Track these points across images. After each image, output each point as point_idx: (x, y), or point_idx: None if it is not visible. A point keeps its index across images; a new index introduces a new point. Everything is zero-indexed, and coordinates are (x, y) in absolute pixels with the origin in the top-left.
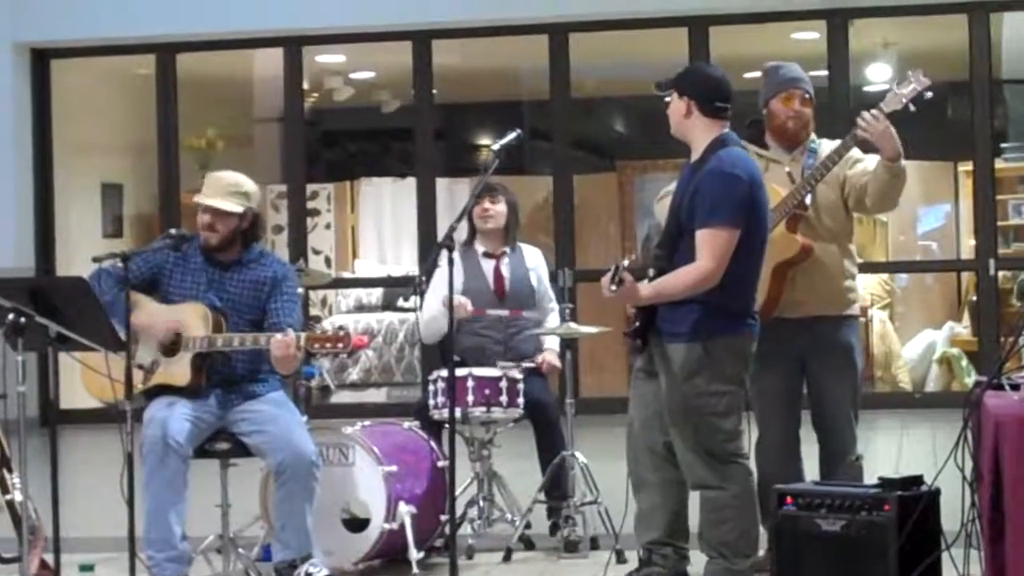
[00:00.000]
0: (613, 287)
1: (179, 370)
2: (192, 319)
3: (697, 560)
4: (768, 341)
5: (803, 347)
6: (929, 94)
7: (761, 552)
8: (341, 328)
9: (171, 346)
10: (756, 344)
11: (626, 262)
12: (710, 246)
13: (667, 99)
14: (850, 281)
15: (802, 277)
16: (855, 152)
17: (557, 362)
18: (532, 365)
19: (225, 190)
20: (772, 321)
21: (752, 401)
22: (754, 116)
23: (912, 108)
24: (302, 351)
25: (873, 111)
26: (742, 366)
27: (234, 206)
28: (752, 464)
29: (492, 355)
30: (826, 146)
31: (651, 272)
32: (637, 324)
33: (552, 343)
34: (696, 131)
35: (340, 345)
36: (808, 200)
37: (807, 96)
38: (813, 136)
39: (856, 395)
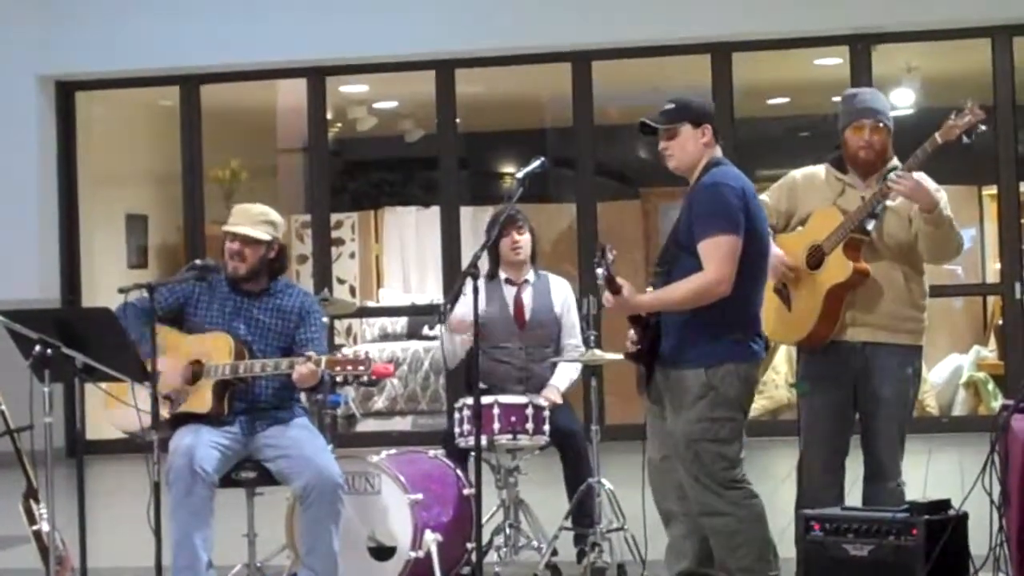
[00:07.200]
0: (600, 271)
1: (201, 398)
2: (215, 348)
3: None
4: (823, 362)
5: (857, 371)
6: (983, 127)
7: None
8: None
9: (193, 375)
10: (760, 368)
11: (612, 251)
12: (713, 254)
13: (675, 132)
14: (912, 310)
15: (862, 301)
16: None
17: (557, 399)
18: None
19: (253, 219)
20: (829, 343)
21: (801, 420)
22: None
23: (966, 140)
24: (322, 373)
25: (898, 172)
26: (746, 392)
27: (262, 234)
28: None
29: (511, 381)
30: None
31: (650, 290)
32: (640, 347)
33: (557, 379)
34: (705, 158)
35: (361, 368)
36: (870, 227)
37: (880, 125)
38: (894, 160)
39: (904, 425)
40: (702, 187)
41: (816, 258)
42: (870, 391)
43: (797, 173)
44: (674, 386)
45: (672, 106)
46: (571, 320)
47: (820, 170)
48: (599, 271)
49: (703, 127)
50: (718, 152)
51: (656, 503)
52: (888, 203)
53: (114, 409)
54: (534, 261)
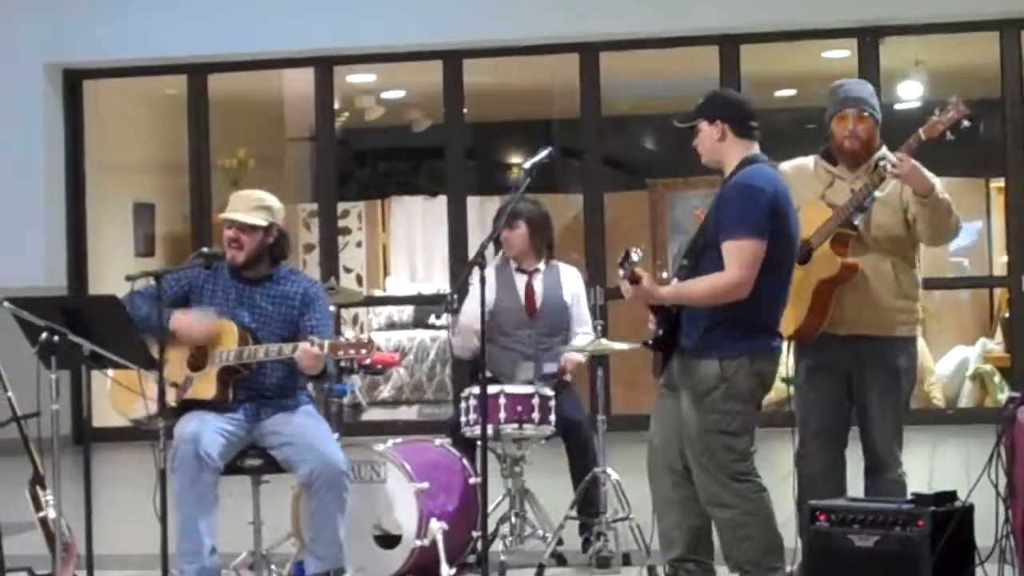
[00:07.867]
0: (622, 272)
1: (205, 384)
2: (220, 335)
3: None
4: (816, 356)
5: (850, 364)
6: (968, 123)
7: (794, 567)
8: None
9: (198, 361)
10: (778, 365)
11: (637, 253)
12: (735, 257)
13: (697, 128)
14: (904, 301)
15: (851, 294)
16: None
17: (580, 358)
18: (554, 371)
19: (249, 205)
20: (821, 336)
21: (796, 414)
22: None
23: (950, 136)
24: (326, 357)
25: (899, 153)
26: (760, 386)
27: (258, 220)
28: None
29: (521, 371)
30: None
31: (675, 281)
32: (659, 334)
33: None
34: (731, 153)
35: (364, 351)
36: (857, 221)
37: (865, 114)
38: (883, 151)
39: (900, 416)
40: (731, 187)
41: (804, 253)
42: (863, 383)
43: (787, 165)
44: (690, 376)
45: (699, 102)
46: (581, 309)
47: (809, 162)
48: (621, 272)
49: (716, 123)
50: (754, 149)
51: (651, 487)
52: (877, 194)
53: (119, 397)
54: (550, 249)
